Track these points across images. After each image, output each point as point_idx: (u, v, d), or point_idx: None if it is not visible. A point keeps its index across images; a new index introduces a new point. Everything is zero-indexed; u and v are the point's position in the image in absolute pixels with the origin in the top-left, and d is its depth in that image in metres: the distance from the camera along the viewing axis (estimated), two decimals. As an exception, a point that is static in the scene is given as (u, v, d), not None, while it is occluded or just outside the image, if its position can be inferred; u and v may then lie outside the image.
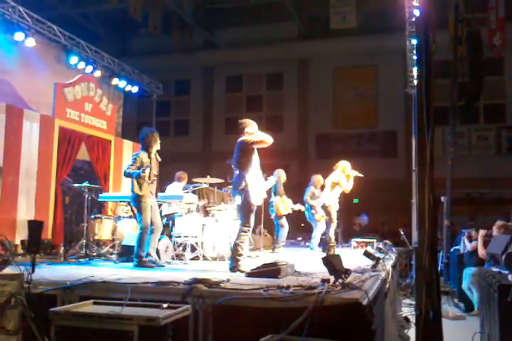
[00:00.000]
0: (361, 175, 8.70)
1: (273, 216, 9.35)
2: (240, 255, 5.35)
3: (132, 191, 6.09)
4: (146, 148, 6.22)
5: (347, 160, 8.74)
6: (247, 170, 5.47)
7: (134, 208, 6.28)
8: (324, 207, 8.64)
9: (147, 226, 6.04)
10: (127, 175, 6.07)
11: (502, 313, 4.57)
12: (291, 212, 9.42)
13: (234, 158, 5.64)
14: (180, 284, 3.84)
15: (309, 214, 9.33)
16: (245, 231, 5.44)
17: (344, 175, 8.50)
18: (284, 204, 9.25)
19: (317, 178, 9.42)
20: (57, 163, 9.16)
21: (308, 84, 17.85)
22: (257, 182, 5.55)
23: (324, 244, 8.70)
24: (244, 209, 5.46)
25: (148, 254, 6.01)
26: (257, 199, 5.50)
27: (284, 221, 9.33)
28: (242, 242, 5.41)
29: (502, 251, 5.93)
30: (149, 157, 6.18)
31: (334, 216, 8.52)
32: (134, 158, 6.12)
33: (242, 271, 5.10)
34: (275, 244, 9.23)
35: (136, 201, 6.06)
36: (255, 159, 5.60)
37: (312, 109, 17.62)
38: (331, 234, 8.48)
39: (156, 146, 6.29)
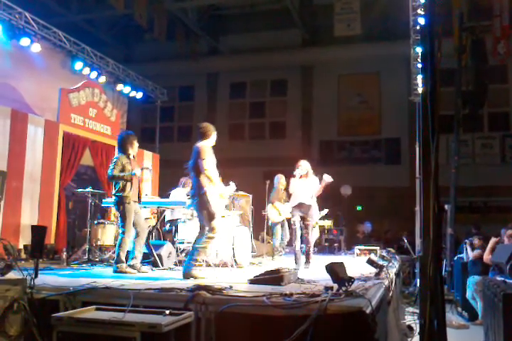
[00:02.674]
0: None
1: (270, 223, 9.28)
2: (196, 260, 5.20)
3: (116, 193, 5.99)
4: (124, 150, 6.20)
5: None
6: (204, 178, 5.28)
7: (116, 212, 6.17)
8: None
9: (130, 230, 5.93)
10: (114, 177, 5.96)
11: (506, 323, 4.54)
12: (289, 216, 9.34)
13: (191, 163, 5.41)
14: (183, 291, 3.82)
15: None
16: (209, 238, 5.26)
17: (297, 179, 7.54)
18: (276, 211, 9.15)
19: None
20: (61, 167, 9.18)
21: (311, 91, 17.86)
22: (217, 190, 5.36)
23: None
24: (207, 216, 5.26)
25: (134, 258, 5.90)
26: (217, 206, 5.31)
27: (278, 228, 9.22)
28: (202, 247, 5.25)
29: (506, 260, 5.91)
30: (129, 159, 6.16)
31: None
32: (115, 162, 6.04)
33: (195, 277, 4.98)
34: (274, 251, 9.18)
35: (120, 203, 5.95)
36: (213, 165, 5.41)
37: (316, 116, 17.62)
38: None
39: (133, 149, 6.27)
